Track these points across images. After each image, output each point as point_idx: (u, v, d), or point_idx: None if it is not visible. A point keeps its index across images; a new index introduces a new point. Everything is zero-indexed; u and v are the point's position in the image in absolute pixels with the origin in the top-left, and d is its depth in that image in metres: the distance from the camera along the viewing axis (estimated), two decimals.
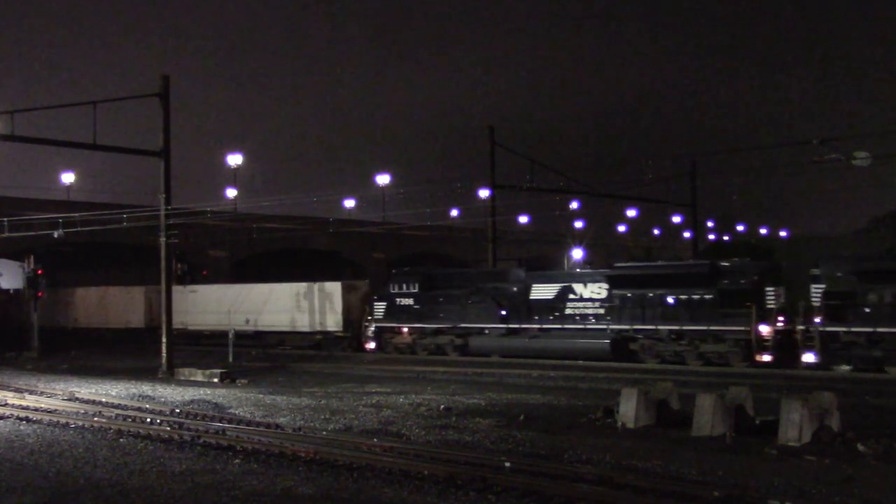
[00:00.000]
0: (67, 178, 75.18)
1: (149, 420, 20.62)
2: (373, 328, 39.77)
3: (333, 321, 41.49)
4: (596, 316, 33.83)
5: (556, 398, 23.52)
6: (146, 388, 27.70)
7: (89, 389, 27.74)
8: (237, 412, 22.04)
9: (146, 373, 32.35)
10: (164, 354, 32.25)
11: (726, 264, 33.55)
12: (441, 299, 37.86)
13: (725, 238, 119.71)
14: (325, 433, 18.45)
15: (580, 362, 33.45)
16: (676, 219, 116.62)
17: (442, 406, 22.04)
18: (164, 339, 32.53)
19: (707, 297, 31.56)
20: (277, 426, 19.54)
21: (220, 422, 20.17)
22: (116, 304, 51.82)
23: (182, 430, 18.77)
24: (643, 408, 18.50)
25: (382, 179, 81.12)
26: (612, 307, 33.43)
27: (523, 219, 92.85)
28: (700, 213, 61.84)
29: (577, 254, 71.31)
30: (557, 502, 12.47)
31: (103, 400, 24.76)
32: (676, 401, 19.34)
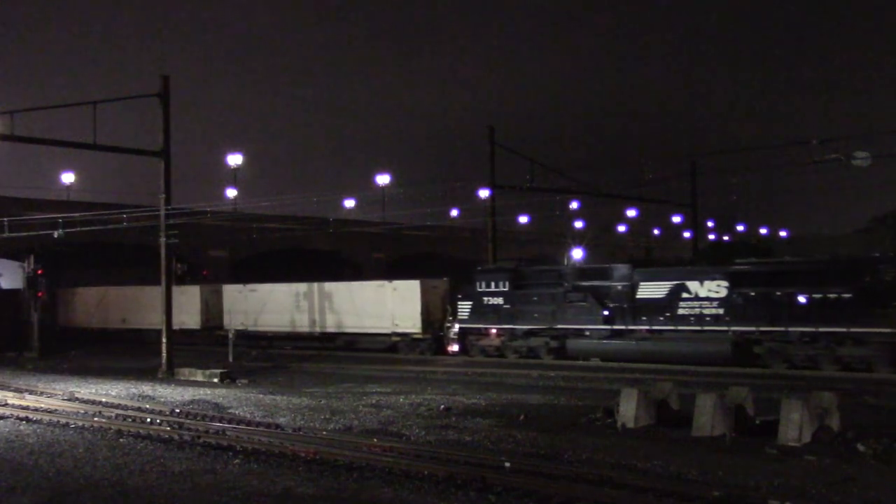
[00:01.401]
0: (67, 178, 75.15)
1: (149, 420, 20.63)
2: (456, 329, 37.44)
3: (411, 322, 38.88)
4: (714, 317, 31.08)
5: (556, 398, 23.53)
6: (146, 388, 27.71)
7: (89, 389, 27.75)
8: (237, 412, 22.05)
9: (146, 373, 32.36)
10: (164, 354, 32.26)
11: (868, 258, 31.34)
12: (535, 298, 35.05)
13: (725, 238, 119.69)
14: (325, 433, 18.45)
15: (580, 362, 33.38)
16: (676, 219, 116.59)
17: (442, 406, 22.04)
18: (163, 339, 32.53)
19: (846, 295, 28.48)
20: (277, 426, 19.54)
21: (220, 422, 20.17)
22: (161, 304, 48.86)
23: (182, 430, 18.77)
24: (643, 408, 18.51)
25: (382, 179, 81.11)
26: (733, 307, 30.67)
27: (523, 219, 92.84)
28: (700, 213, 61.86)
29: (577, 254, 71.31)
30: (557, 502, 12.47)
31: (103, 400, 24.76)
32: (676, 401, 19.34)
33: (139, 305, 49.57)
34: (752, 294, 30.60)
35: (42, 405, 23.57)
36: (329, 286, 43.02)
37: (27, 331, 43.80)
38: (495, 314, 35.98)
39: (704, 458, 15.10)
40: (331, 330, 41.71)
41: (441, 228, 75.40)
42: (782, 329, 29.66)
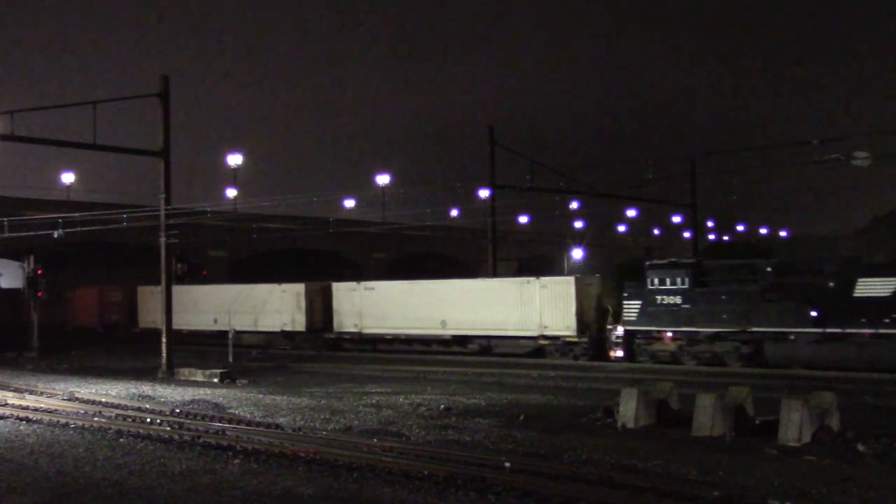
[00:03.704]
0: (67, 178, 75.21)
1: (149, 420, 20.63)
2: (619, 332, 33.68)
3: (563, 324, 34.51)
4: None
5: (555, 398, 23.53)
6: (146, 388, 27.71)
7: (89, 389, 27.75)
8: (237, 412, 22.05)
9: (146, 373, 32.34)
10: (164, 354, 32.26)
11: None
12: (723, 297, 30.99)
13: (725, 238, 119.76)
14: (325, 433, 18.45)
15: (579, 362, 33.28)
16: (676, 219, 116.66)
17: (442, 406, 22.04)
18: (163, 339, 32.53)
19: None
20: (277, 426, 19.54)
21: (220, 422, 20.17)
22: (263, 304, 44.16)
23: (182, 430, 18.78)
24: (643, 408, 18.52)
25: (382, 179, 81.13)
26: None
27: (523, 219, 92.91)
28: (700, 213, 61.86)
29: (577, 254, 71.37)
30: (557, 502, 12.48)
31: (103, 400, 24.76)
32: (676, 401, 19.34)
33: (232, 306, 44.66)
34: None
35: (42, 405, 23.57)
36: (463, 283, 39.92)
37: (27, 331, 43.74)
38: (671, 315, 31.94)
39: (704, 458, 15.10)
40: (464, 332, 37.44)
41: (441, 228, 75.48)
42: None
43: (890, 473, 14.10)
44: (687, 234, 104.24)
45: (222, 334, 42.65)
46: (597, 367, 31.76)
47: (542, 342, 35.23)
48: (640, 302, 32.70)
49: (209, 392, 26.34)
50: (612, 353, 34.00)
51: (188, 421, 20.25)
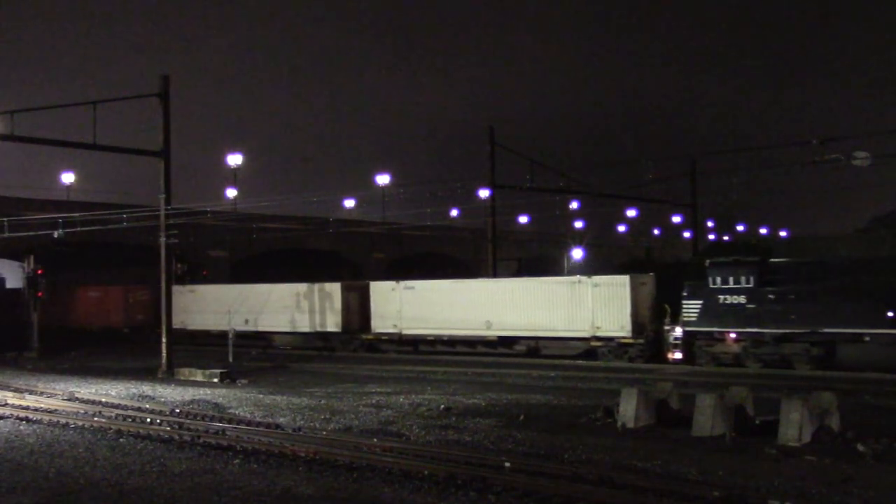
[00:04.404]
0: (67, 178, 75.15)
1: (149, 420, 20.63)
2: (678, 333, 31.97)
3: (618, 325, 33.29)
4: None
5: (556, 398, 23.53)
6: (146, 388, 27.72)
7: (89, 389, 27.75)
8: (237, 412, 22.05)
9: (146, 373, 32.35)
10: (164, 354, 32.27)
11: None
12: (791, 296, 29.63)
13: (725, 238, 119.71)
14: (325, 433, 18.45)
15: (579, 362, 33.25)
16: (676, 219, 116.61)
17: (442, 406, 22.04)
18: (163, 339, 32.54)
19: None
20: (277, 426, 19.55)
21: (220, 422, 20.18)
22: (296, 304, 42.51)
23: (182, 430, 18.78)
24: (643, 408, 18.52)
25: (382, 179, 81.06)
26: None
27: (523, 219, 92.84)
28: (700, 213, 61.88)
29: (577, 254, 71.32)
30: (557, 502, 12.48)
31: (103, 400, 24.77)
32: (676, 401, 19.35)
33: (264, 305, 43.78)
34: None
35: (42, 405, 23.57)
36: (510, 282, 38.64)
37: (29, 331, 43.70)
38: (735, 316, 30.47)
39: (704, 458, 15.11)
40: (510, 333, 36.18)
41: (441, 228, 75.39)
42: None
43: (890, 473, 14.10)
44: (687, 234, 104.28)
45: (254, 336, 42.63)
46: (656, 369, 30.54)
47: (595, 343, 34.00)
48: (700, 301, 31.30)
49: (209, 392, 26.35)
50: (669, 356, 32.33)
51: (188, 421, 20.25)
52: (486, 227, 45.53)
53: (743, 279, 30.57)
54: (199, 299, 46.87)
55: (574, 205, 70.70)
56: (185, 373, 31.14)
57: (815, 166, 32.19)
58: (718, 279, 30.94)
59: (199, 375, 30.38)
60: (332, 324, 41.28)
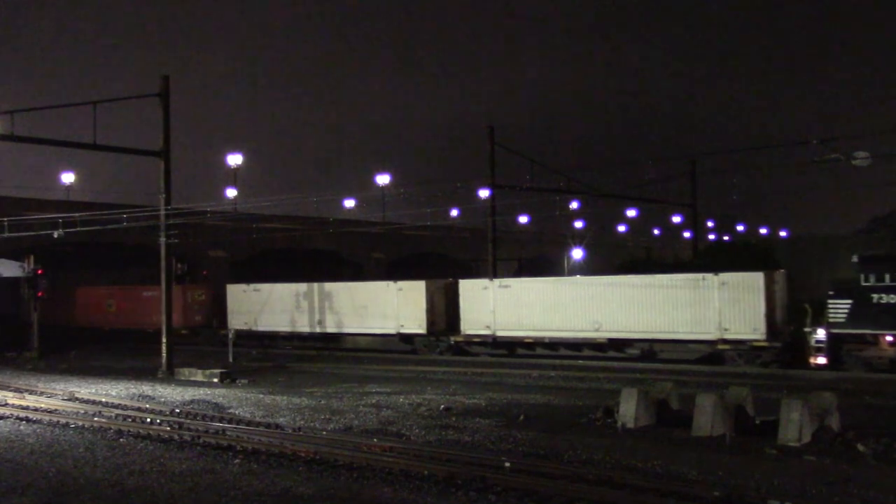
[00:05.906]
0: (67, 178, 75.27)
1: (149, 420, 20.64)
2: (821, 336, 28.83)
3: (749, 327, 30.38)
4: None
5: (556, 398, 23.54)
6: (146, 387, 27.72)
7: (89, 389, 27.75)
8: (237, 412, 22.05)
9: (146, 373, 32.35)
10: (164, 354, 32.28)
11: None
12: None
13: (725, 238, 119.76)
14: (325, 433, 18.45)
15: (580, 362, 33.19)
16: (676, 219, 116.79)
17: (442, 406, 22.05)
18: (163, 339, 32.54)
19: None
20: (277, 426, 19.55)
21: (220, 422, 20.18)
22: (375, 304, 40.36)
23: (182, 430, 18.79)
24: (643, 408, 18.52)
25: (382, 179, 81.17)
26: None
27: (523, 219, 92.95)
28: (700, 213, 61.93)
29: (577, 254, 71.33)
30: (557, 502, 12.48)
31: (103, 400, 24.77)
32: (676, 401, 19.36)
33: (336, 305, 41.66)
34: None
35: (42, 405, 23.58)
36: (622, 279, 35.23)
37: (30, 330, 43.62)
38: (892, 316, 27.66)
39: (704, 458, 15.11)
40: (622, 335, 33.27)
41: (441, 228, 75.36)
42: None
43: (890, 473, 14.10)
44: (687, 234, 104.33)
45: (327, 338, 41.06)
46: (794, 375, 28.07)
47: (722, 347, 31.10)
48: (850, 301, 28.34)
49: (209, 392, 26.35)
50: (813, 361, 29.16)
51: (188, 421, 20.26)
52: (486, 227, 45.51)
53: None
54: (263, 299, 44.43)
55: (574, 205, 70.72)
56: (185, 373, 31.14)
57: (815, 166, 32.18)
58: (872, 276, 28.08)
59: (199, 375, 30.39)
60: (417, 325, 38.84)
